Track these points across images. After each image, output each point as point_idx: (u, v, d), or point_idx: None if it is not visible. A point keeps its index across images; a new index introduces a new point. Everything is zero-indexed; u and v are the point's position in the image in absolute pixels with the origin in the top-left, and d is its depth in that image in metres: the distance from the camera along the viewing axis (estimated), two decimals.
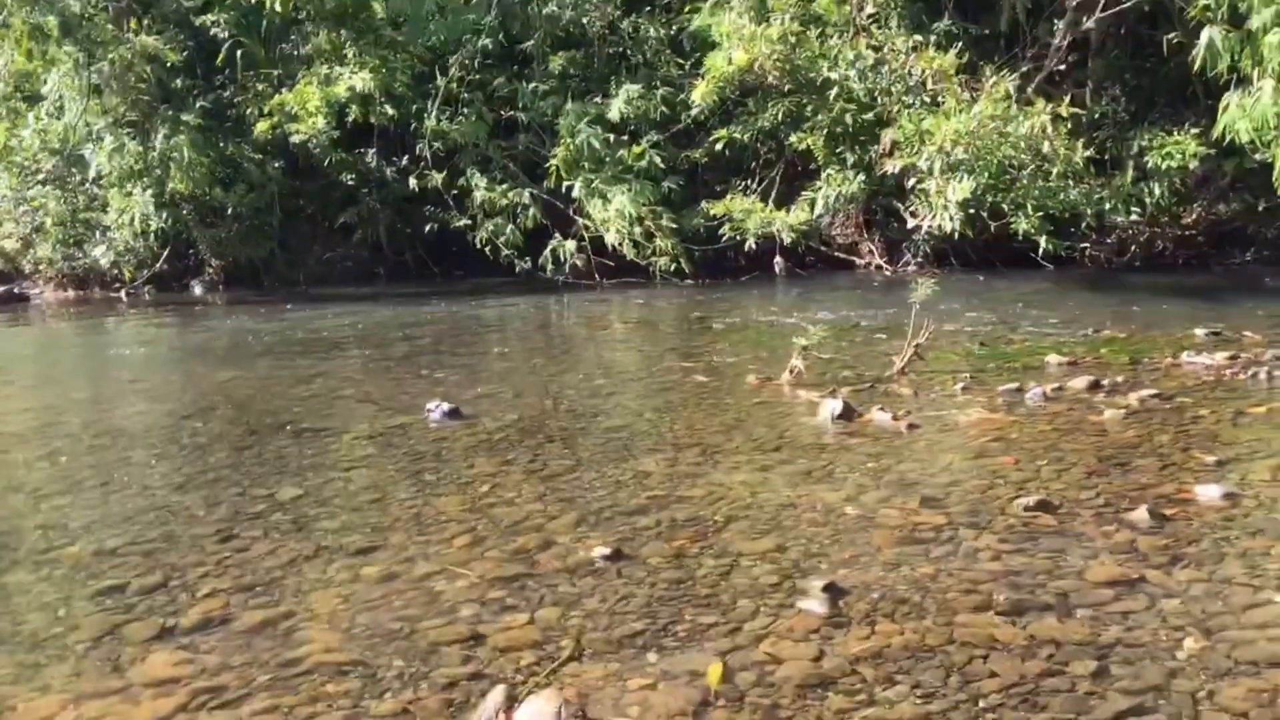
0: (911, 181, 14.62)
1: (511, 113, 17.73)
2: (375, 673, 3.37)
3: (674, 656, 3.41)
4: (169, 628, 3.81)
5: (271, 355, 10.96)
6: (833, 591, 3.85)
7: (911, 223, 15.60)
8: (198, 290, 18.86)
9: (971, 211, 13.95)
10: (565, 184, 16.66)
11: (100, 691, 3.34)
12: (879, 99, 15.01)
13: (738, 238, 15.95)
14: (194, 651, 3.61)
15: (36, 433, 7.61)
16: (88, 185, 18.99)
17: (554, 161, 16.68)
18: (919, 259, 16.58)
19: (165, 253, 18.80)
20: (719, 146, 16.59)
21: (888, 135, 14.71)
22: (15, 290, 19.20)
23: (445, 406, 7.13)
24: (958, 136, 13.26)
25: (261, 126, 17.80)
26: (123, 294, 18.78)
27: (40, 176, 19.33)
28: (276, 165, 18.25)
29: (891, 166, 14.41)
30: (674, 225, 16.25)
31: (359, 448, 6.46)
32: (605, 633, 3.60)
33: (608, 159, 16.39)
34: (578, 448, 6.21)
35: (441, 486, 5.46)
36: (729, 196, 16.31)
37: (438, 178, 17.39)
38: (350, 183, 18.36)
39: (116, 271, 19.05)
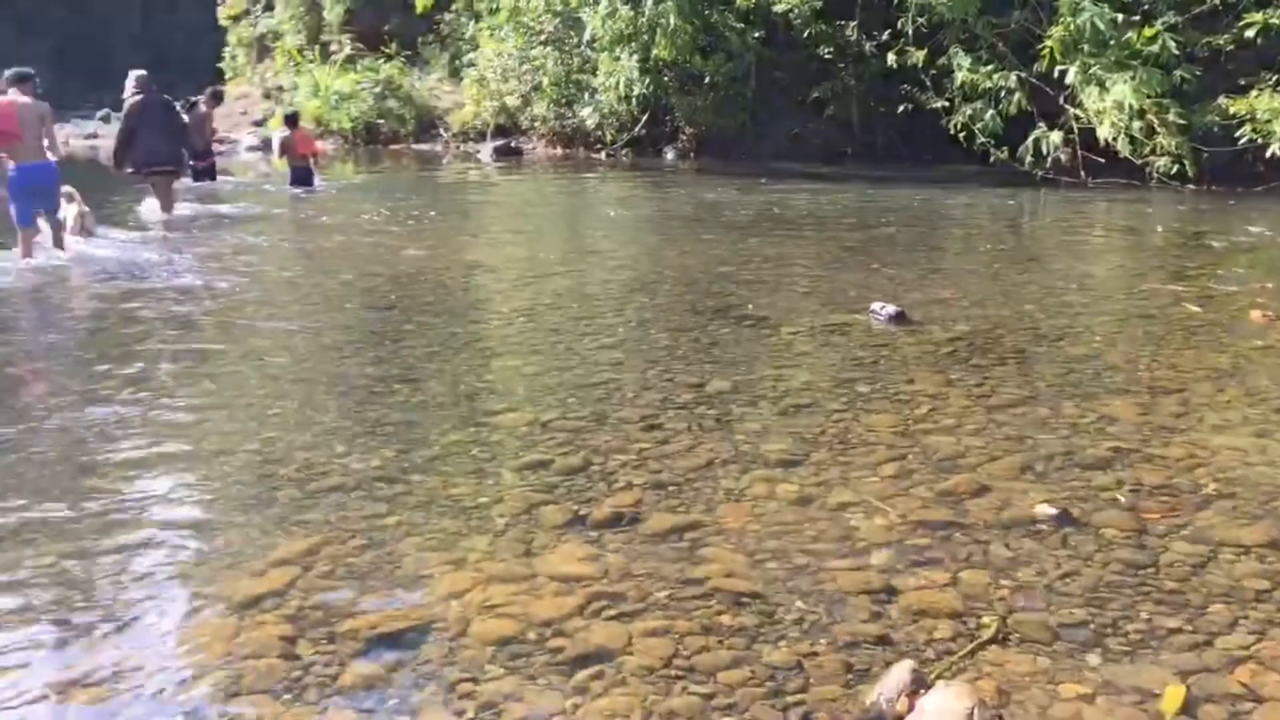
0: None
1: None
2: (773, 612, 3.12)
3: (1121, 664, 2.86)
4: (581, 517, 3.79)
5: (728, 230, 10.97)
6: None
7: None
8: (670, 156, 19.40)
9: None
10: (1059, 68, 15.11)
11: (509, 576, 3.35)
12: None
13: (1259, 140, 13.78)
14: (600, 548, 3.54)
15: (511, 289, 8.08)
16: (582, 48, 19.94)
17: (1049, 42, 15.14)
18: None
19: (644, 118, 19.43)
20: (1250, 33, 14.26)
21: None
22: (512, 144, 20.77)
23: (892, 308, 6.69)
24: None
25: None
26: (603, 154, 19.74)
27: (542, 38, 20.57)
28: (756, 35, 18.14)
29: None
30: (1182, 121, 14.27)
31: (796, 344, 6.20)
32: (1039, 615, 3.10)
33: (1113, 41, 14.61)
34: (1034, 375, 5.55)
35: (875, 401, 5.08)
36: (1254, 93, 14.05)
37: (918, 55, 16.48)
38: (827, 56, 17.89)
39: (600, 133, 20.01)
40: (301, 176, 15.26)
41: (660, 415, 4.89)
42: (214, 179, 15.79)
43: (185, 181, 15.09)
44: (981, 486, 4.03)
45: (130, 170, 12.09)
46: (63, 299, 8.40)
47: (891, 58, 16.86)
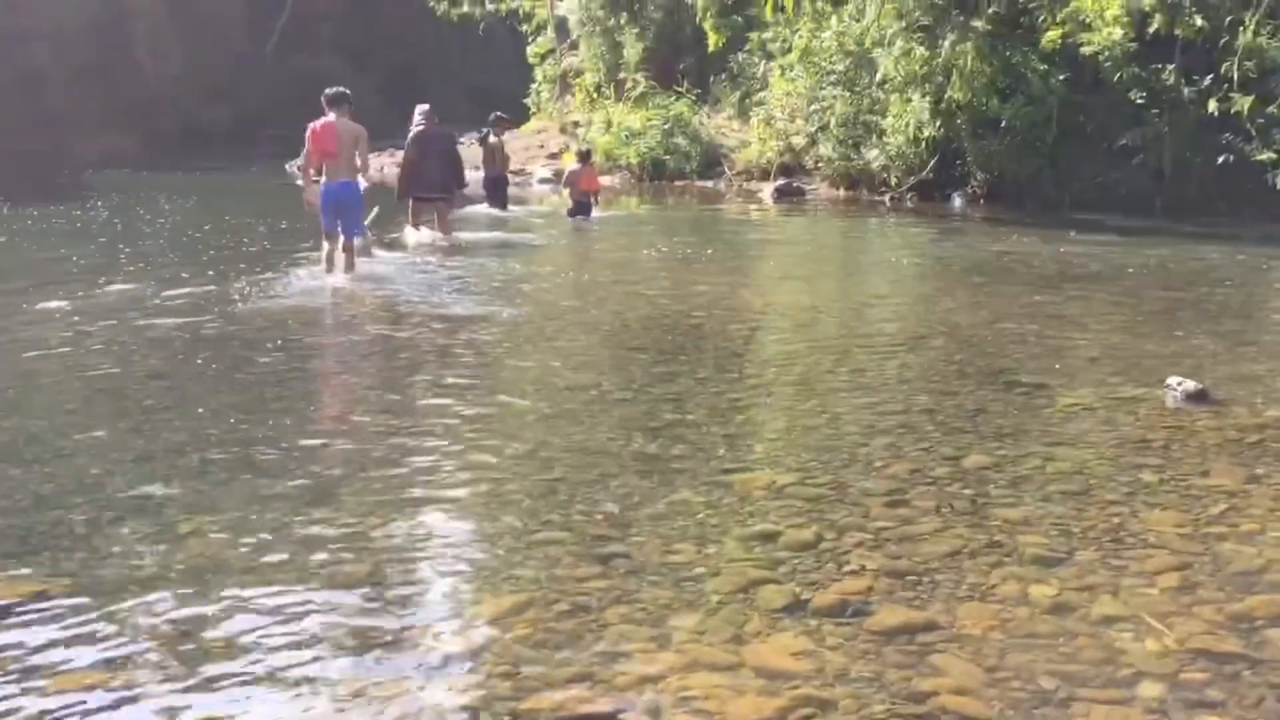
0: None
1: None
2: None
3: None
4: (803, 602, 3.45)
5: (1012, 283, 10.26)
6: None
7: None
8: (957, 203, 18.56)
9: None
10: None
11: (713, 664, 3.06)
12: None
13: None
14: (818, 642, 3.19)
15: (773, 336, 7.82)
16: (872, 89, 19.46)
17: None
18: None
19: (933, 161, 18.70)
20: None
21: None
22: (794, 184, 20.52)
23: (1191, 385, 5.93)
24: None
25: (1050, 35, 16.73)
26: (887, 198, 19.14)
27: (832, 78, 20.22)
28: (1060, 78, 17.10)
29: None
30: None
31: (1073, 419, 5.59)
32: None
33: None
34: None
35: (1160, 494, 4.45)
36: None
37: (1243, 102, 15.02)
38: (1139, 101, 16.60)
39: (885, 175, 19.42)
40: (580, 208, 15.93)
41: (908, 490, 4.46)
42: (505, 207, 16.51)
43: (477, 208, 15.95)
44: None
45: (411, 197, 12.80)
46: (348, 317, 8.82)
47: (1213, 104, 15.46)
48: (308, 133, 9.93)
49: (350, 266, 10.23)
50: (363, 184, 10.25)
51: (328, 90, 10.09)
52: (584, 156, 16.85)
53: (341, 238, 10.14)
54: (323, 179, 9.94)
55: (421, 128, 12.88)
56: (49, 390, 6.23)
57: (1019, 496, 4.41)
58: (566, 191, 16.40)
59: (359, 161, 10.05)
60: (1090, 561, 3.77)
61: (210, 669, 3.03)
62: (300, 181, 10.11)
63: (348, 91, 10.13)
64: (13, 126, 36.55)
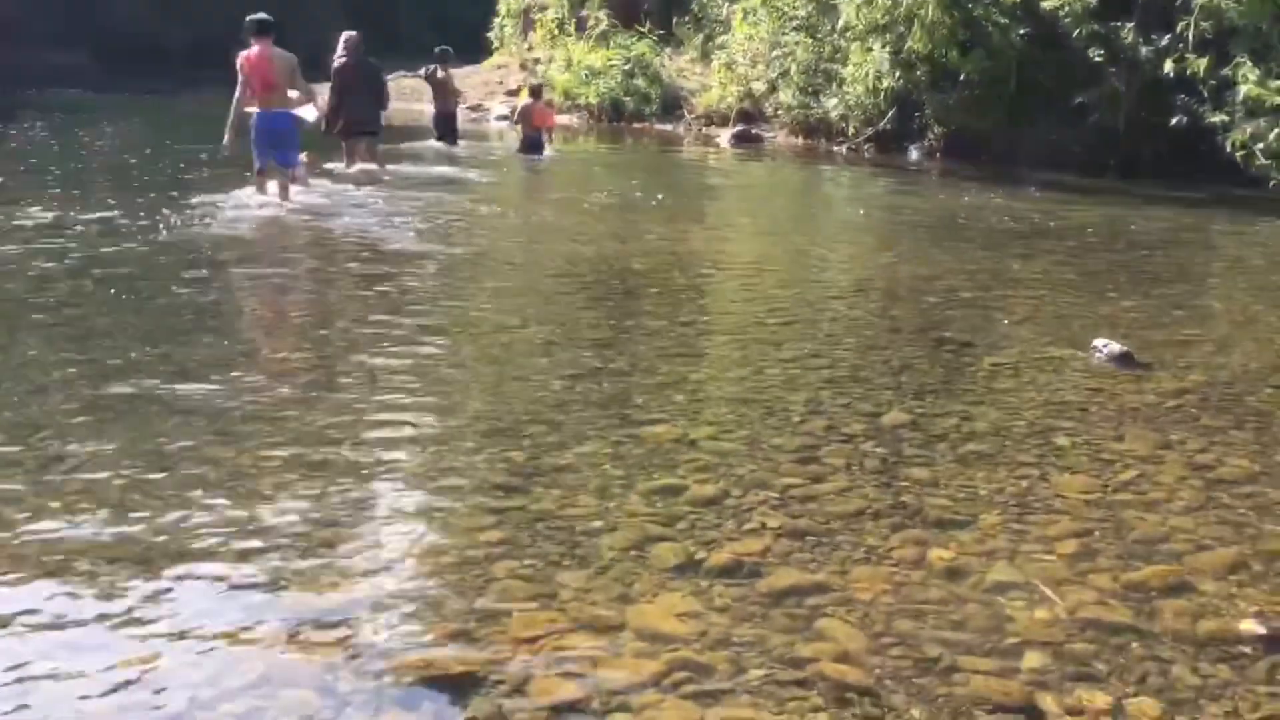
0: None
1: None
2: (881, 718, 2.63)
3: None
4: (695, 561, 3.37)
5: (955, 239, 10.21)
6: None
7: None
8: (913, 155, 18.46)
9: None
10: None
11: (593, 624, 2.98)
12: None
13: None
14: (705, 603, 3.12)
15: (707, 286, 7.71)
16: (834, 36, 19.25)
17: None
18: None
19: (891, 113, 18.57)
20: None
21: None
22: (753, 130, 20.32)
23: (1116, 347, 5.90)
24: None
25: None
26: (844, 148, 19.01)
27: (794, 24, 19.99)
28: (1020, 33, 16.96)
29: None
30: None
31: (997, 377, 5.54)
32: None
33: None
34: (1276, 448, 4.72)
35: (1071, 457, 4.41)
36: None
37: (1199, 63, 14.94)
38: (1097, 59, 16.49)
39: (844, 125, 19.27)
40: (531, 145, 15.81)
41: (821, 447, 4.39)
42: (455, 143, 16.34)
43: (427, 142, 15.75)
44: (1179, 584, 3.36)
45: (337, 133, 12.50)
46: (276, 249, 8.61)
47: (1169, 64, 15.39)
48: (240, 63, 9.60)
49: (285, 195, 10.01)
50: (313, 114, 10.06)
51: (254, 17, 9.68)
52: (535, 91, 16.64)
53: (277, 169, 9.92)
54: (255, 110, 9.64)
55: (344, 59, 12.51)
56: None
57: (931, 456, 4.35)
58: (519, 127, 16.17)
59: (294, 92, 9.79)
60: (992, 525, 3.72)
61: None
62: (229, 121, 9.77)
63: (272, 19, 9.77)
64: None
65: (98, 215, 9.05)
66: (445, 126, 16.42)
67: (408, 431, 4.44)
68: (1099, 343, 5.99)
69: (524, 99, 17.12)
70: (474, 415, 4.65)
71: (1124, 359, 5.82)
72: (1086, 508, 3.91)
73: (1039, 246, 10.01)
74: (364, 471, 4.02)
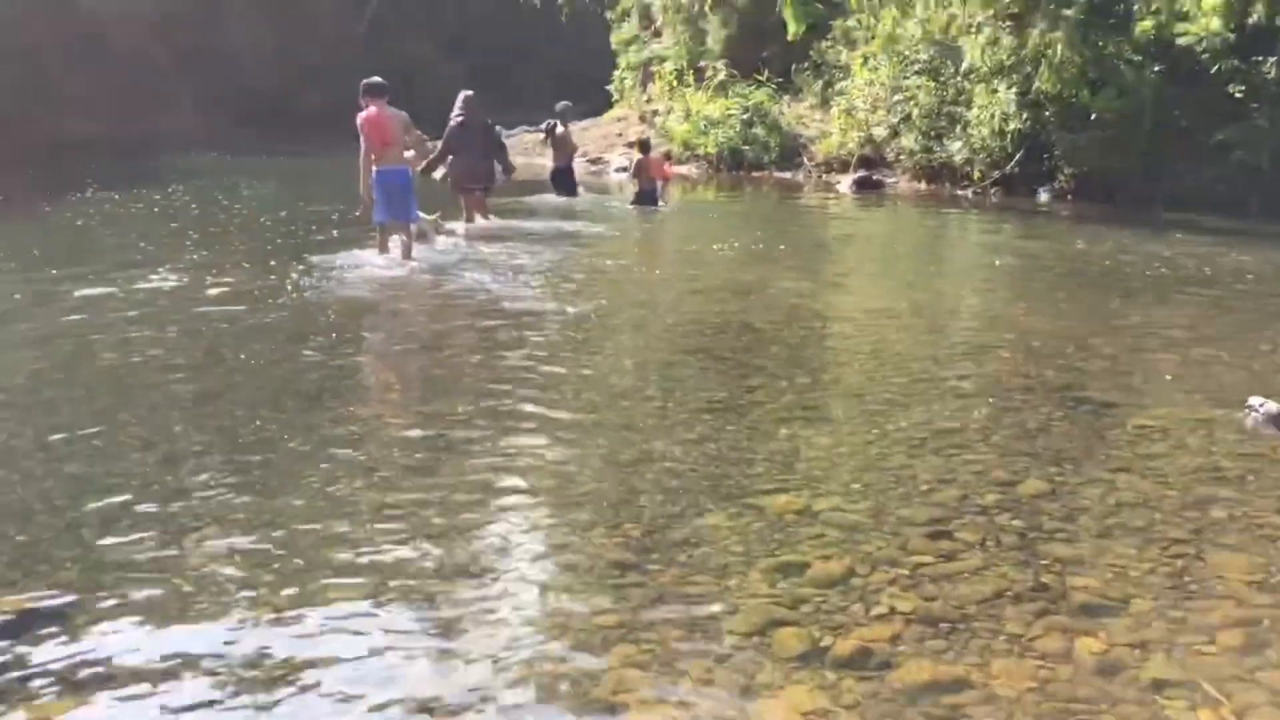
0: None
1: None
2: None
3: None
4: (822, 649, 3.19)
5: (1093, 287, 9.80)
6: None
7: None
8: (1043, 198, 17.90)
9: None
10: None
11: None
12: None
13: None
14: (833, 700, 2.93)
15: (832, 341, 7.51)
16: (957, 79, 18.89)
17: None
18: None
19: (1019, 155, 18.08)
20: None
21: None
22: (874, 177, 20.00)
23: (1274, 407, 5.50)
24: None
25: (1144, 25, 16.02)
26: (969, 192, 18.56)
27: (916, 67, 19.68)
28: (1154, 70, 16.37)
29: None
30: None
31: (1144, 442, 5.20)
32: None
33: None
34: None
35: (1230, 533, 4.08)
36: None
37: None
38: (1237, 95, 15.82)
39: (968, 168, 18.84)
40: (646, 197, 15.96)
41: (953, 520, 4.16)
42: (575, 193, 16.59)
43: (545, 197, 16.07)
44: None
45: (451, 187, 13.11)
46: (400, 310, 8.71)
47: None
48: (360, 123, 9.87)
49: (408, 254, 10.29)
50: (414, 169, 10.46)
51: (368, 80, 10.07)
52: (644, 146, 16.91)
53: (398, 225, 10.26)
54: (374, 168, 9.95)
55: (460, 118, 12.92)
56: (61, 384, 6.16)
57: (1074, 531, 4.08)
58: (636, 180, 16.33)
59: (410, 152, 10.21)
60: (1145, 611, 3.45)
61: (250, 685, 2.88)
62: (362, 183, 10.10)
63: (385, 82, 10.15)
64: (112, 108, 37.47)
65: (231, 279, 9.30)
66: (564, 180, 16.70)
67: (523, 504, 4.35)
68: (1254, 401, 5.60)
69: (636, 154, 17.33)
70: (591, 486, 4.55)
71: None
72: (1251, 591, 3.60)
73: (1183, 294, 9.52)
74: (476, 546, 3.94)
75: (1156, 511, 4.29)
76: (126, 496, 4.34)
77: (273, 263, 10.23)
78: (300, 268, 9.77)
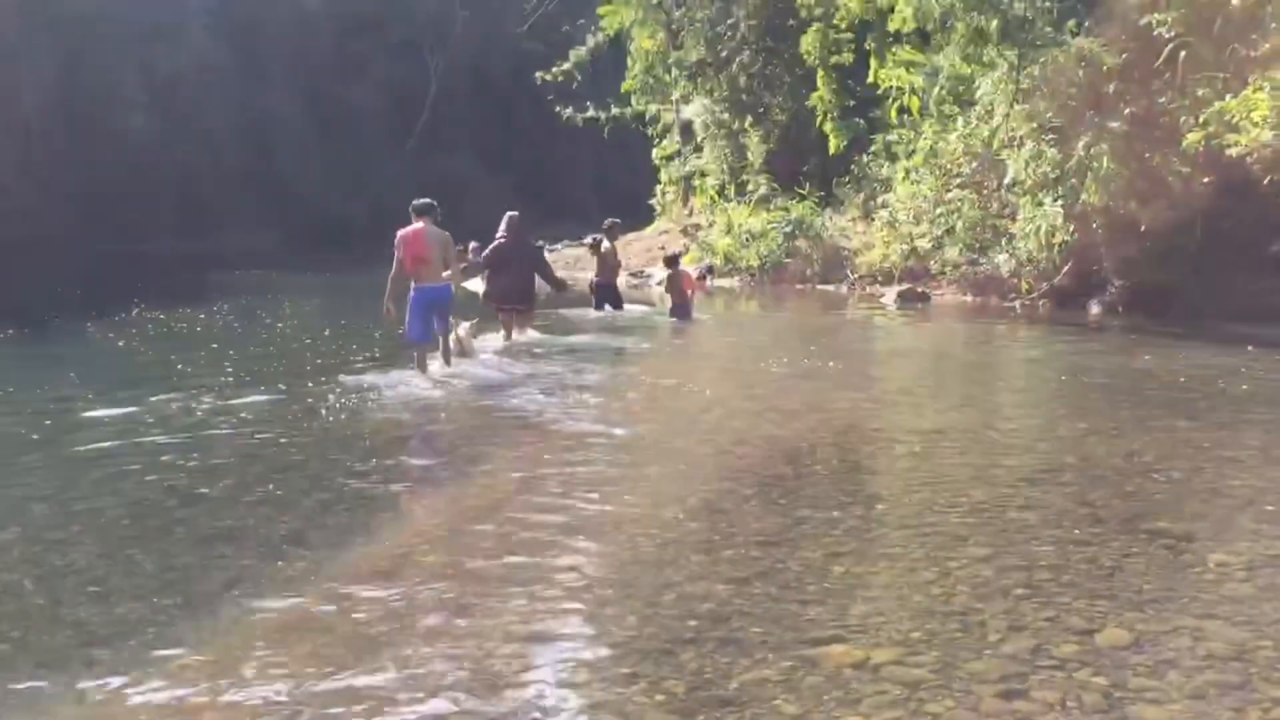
0: None
1: None
2: None
3: None
4: None
5: (1153, 406, 9.41)
6: None
7: None
8: (1094, 310, 17.55)
9: None
10: None
11: None
12: None
13: None
14: None
15: (884, 466, 7.19)
16: (1001, 191, 18.77)
17: None
18: None
19: (1067, 267, 17.80)
20: None
21: None
22: (919, 289, 19.80)
23: None
24: None
25: (1193, 137, 15.81)
26: (1017, 305, 18.26)
27: (958, 180, 19.62)
28: (1205, 181, 16.13)
29: None
30: None
31: (1228, 580, 4.81)
32: None
33: None
34: None
35: None
36: None
37: None
38: None
39: (1015, 281, 18.57)
40: (679, 311, 16.27)
41: (1027, 676, 3.79)
42: (619, 307, 16.58)
43: (588, 311, 16.20)
44: None
45: (489, 303, 13.36)
46: (447, 426, 8.51)
47: None
48: (398, 239, 10.14)
49: (449, 361, 10.61)
50: (479, 286, 10.66)
51: (416, 201, 10.45)
52: (672, 261, 17.09)
53: (439, 338, 10.52)
54: (413, 285, 10.19)
55: (503, 239, 13.19)
56: (78, 516, 5.96)
57: (1164, 689, 3.70)
58: (669, 295, 16.71)
59: (448, 272, 10.42)
60: None
61: None
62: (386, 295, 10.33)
63: (434, 203, 10.44)
64: (164, 225, 38.37)
65: (267, 399, 9.19)
66: (608, 295, 16.74)
67: (557, 653, 4.04)
68: None
69: (665, 269, 17.45)
70: (630, 633, 4.23)
71: None
72: None
73: (1247, 413, 9.11)
74: (509, 704, 3.63)
75: (1251, 664, 3.89)
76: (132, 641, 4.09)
77: (309, 384, 10.11)
78: (338, 389, 9.62)
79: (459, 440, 8.24)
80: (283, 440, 7.78)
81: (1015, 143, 18.14)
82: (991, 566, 4.99)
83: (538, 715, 3.56)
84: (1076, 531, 5.55)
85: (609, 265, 17.01)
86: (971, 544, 5.36)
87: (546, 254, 24.06)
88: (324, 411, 8.74)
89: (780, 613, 4.42)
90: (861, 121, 24.11)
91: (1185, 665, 3.88)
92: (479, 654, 3.99)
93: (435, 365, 10.42)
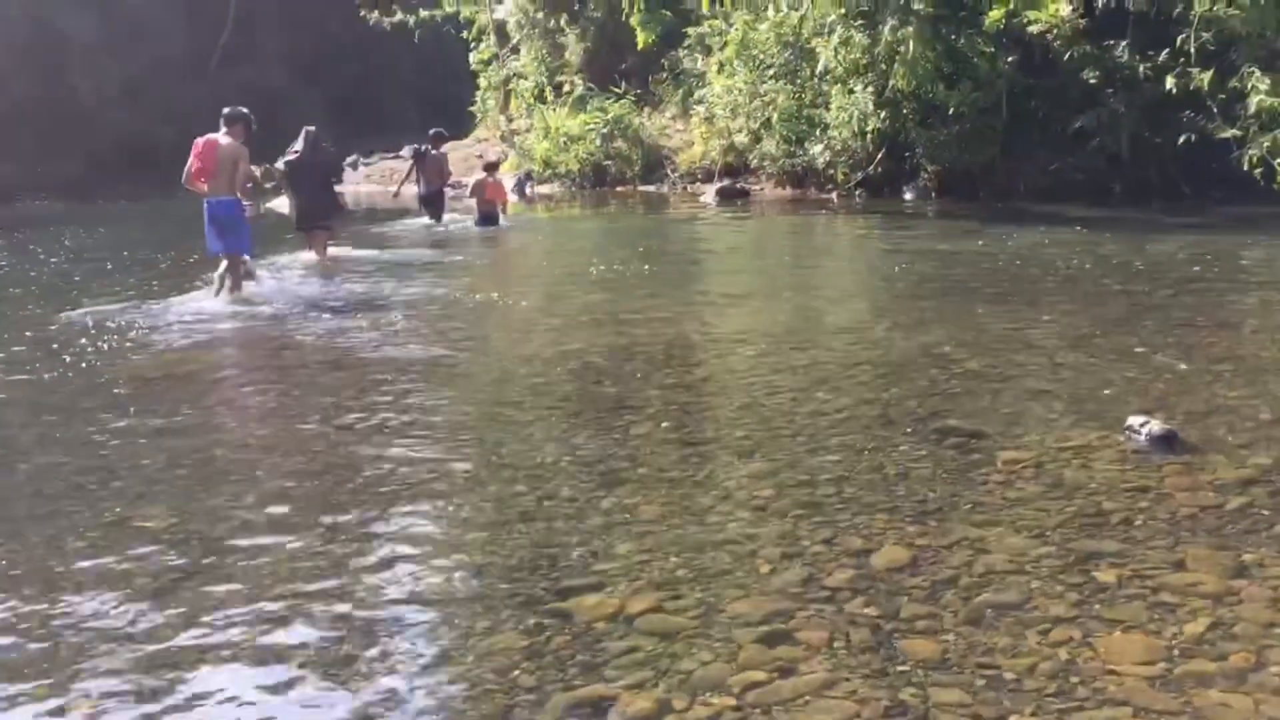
0: None
1: None
2: None
3: None
4: None
5: (957, 294, 9.29)
6: None
7: None
8: (908, 196, 17.59)
9: None
10: None
11: None
12: None
13: None
14: None
15: (674, 373, 6.77)
16: (815, 81, 18.50)
17: None
18: None
19: (880, 155, 17.74)
20: None
21: None
22: (738, 185, 19.52)
23: (1157, 427, 4.92)
24: None
25: (994, 15, 15.77)
26: (834, 195, 18.15)
27: (772, 71, 19.26)
28: (1008, 61, 16.15)
29: None
30: None
31: (1015, 482, 4.55)
32: None
33: None
34: None
35: (1119, 604, 3.40)
36: None
37: (1203, 77, 14.11)
38: (1092, 81, 15.68)
39: (831, 171, 18.45)
40: (486, 218, 15.99)
41: (793, 614, 3.42)
42: (439, 219, 16.36)
43: (412, 221, 15.53)
44: None
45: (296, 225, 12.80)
46: (221, 357, 7.74)
47: (1170, 81, 14.52)
48: (193, 147, 9.63)
49: (235, 287, 9.89)
50: (246, 207, 9.80)
51: (227, 110, 9.89)
52: (490, 168, 16.81)
53: (231, 257, 9.87)
54: (205, 198, 9.72)
55: (292, 158, 12.27)
56: None
57: (938, 617, 3.37)
58: (474, 201, 16.33)
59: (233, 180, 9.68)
60: (1030, 714, 2.74)
61: None
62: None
63: (248, 113, 9.87)
64: None
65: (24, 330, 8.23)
66: (432, 205, 16.39)
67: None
68: (1136, 421, 5.01)
69: (477, 174, 16.97)
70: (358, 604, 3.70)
71: (1167, 441, 4.84)
72: (1149, 691, 2.90)
73: (1047, 294, 9.07)
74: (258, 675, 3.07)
75: (1034, 579, 3.60)
76: None
77: (78, 312, 9.26)
78: (118, 318, 8.87)
79: (247, 378, 7.50)
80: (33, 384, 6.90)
81: (826, 29, 17.83)
82: (772, 484, 4.61)
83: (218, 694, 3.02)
84: (866, 436, 5.25)
85: (432, 174, 16.32)
86: (757, 459, 4.98)
87: (361, 169, 23.15)
88: (103, 345, 7.86)
89: (540, 557, 3.95)
90: (669, 13, 23.42)
91: (961, 586, 3.57)
92: (204, 628, 3.41)
93: (224, 287, 9.77)
